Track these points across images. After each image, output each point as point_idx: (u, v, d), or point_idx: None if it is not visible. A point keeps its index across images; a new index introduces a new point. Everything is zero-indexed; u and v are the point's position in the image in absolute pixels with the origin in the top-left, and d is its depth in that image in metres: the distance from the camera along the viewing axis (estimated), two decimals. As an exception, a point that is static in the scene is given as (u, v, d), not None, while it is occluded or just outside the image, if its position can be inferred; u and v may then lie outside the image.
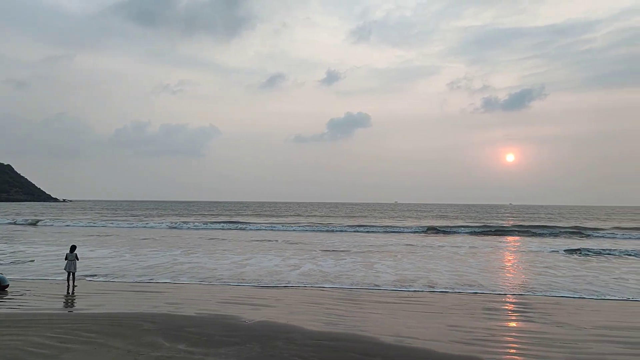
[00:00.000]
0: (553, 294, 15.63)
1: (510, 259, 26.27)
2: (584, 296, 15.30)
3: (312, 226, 55.11)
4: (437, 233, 47.26)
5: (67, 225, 54.18)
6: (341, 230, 49.78)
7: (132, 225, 54.92)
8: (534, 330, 10.84)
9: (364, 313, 12.49)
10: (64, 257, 16.23)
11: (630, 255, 27.66)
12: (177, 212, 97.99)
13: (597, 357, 8.78)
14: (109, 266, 21.13)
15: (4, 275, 15.53)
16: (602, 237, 43.74)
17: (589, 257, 26.50)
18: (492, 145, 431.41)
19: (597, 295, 15.40)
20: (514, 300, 14.63)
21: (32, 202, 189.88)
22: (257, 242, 35.13)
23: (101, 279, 17.85)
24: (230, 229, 52.02)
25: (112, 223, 57.72)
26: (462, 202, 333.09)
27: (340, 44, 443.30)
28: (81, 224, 56.57)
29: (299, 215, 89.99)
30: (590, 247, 31.14)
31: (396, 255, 26.44)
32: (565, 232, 47.53)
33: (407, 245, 33.46)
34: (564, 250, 29.45)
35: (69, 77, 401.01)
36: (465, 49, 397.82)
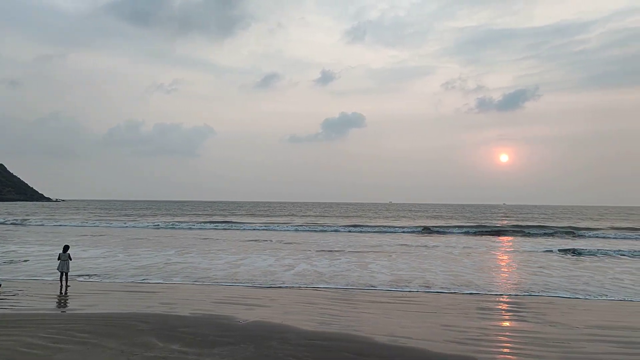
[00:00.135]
0: (546, 293, 15.70)
1: (504, 259, 26.38)
2: (579, 296, 15.37)
3: (307, 226, 55.09)
4: (431, 233, 47.37)
5: (60, 225, 53.85)
6: (335, 230, 49.80)
7: (125, 225, 54.69)
8: (528, 329, 10.89)
9: (358, 313, 12.50)
10: (57, 257, 16.15)
11: (623, 255, 27.83)
12: (171, 212, 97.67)
13: (590, 357, 8.83)
14: (102, 266, 21.02)
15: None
16: (596, 237, 44.04)
17: (583, 257, 26.65)
18: (486, 146, 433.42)
19: (593, 296, 15.46)
20: (507, 300, 14.69)
21: (24, 202, 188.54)
22: (251, 242, 35.08)
23: (94, 279, 17.76)
24: (224, 228, 51.92)
25: (105, 223, 57.45)
26: (457, 202, 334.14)
27: (335, 44, 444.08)
28: (73, 223, 56.29)
29: (293, 215, 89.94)
30: (583, 247, 31.35)
31: (390, 255, 26.48)
32: (559, 232, 47.81)
33: (402, 245, 33.52)
34: (558, 250, 29.60)
35: (62, 76, 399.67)
36: (459, 49, 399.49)
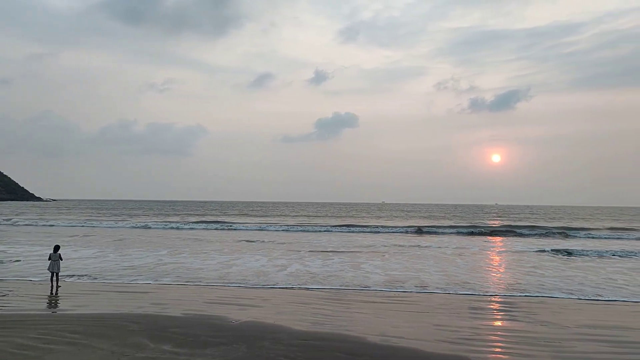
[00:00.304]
0: (538, 293, 15.80)
1: (496, 259, 26.52)
2: (571, 296, 15.46)
3: (300, 226, 55.05)
4: (424, 233, 47.52)
5: (50, 225, 53.42)
6: (328, 230, 49.81)
7: (117, 225, 54.36)
8: (519, 329, 10.95)
9: (350, 313, 12.51)
10: (48, 257, 16.01)
11: (614, 255, 28.05)
12: (163, 212, 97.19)
13: (580, 356, 8.90)
14: (93, 266, 20.88)
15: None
16: (587, 237, 44.38)
17: (575, 257, 26.84)
18: (479, 146, 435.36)
19: (588, 296, 15.50)
20: (499, 300, 14.76)
21: (14, 202, 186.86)
22: (244, 242, 34.99)
23: (85, 279, 17.64)
24: (217, 228, 51.75)
25: (96, 223, 57.08)
26: (449, 202, 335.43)
27: (328, 43, 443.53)
28: (64, 223, 55.85)
29: (286, 215, 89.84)
30: (575, 247, 31.60)
31: (384, 255, 26.53)
32: (551, 232, 48.12)
33: (395, 245, 33.59)
34: (550, 250, 29.79)
35: (54, 75, 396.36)
36: (452, 50, 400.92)
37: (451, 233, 47.33)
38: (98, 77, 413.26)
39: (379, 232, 48.88)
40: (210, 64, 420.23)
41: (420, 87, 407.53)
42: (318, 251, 28.48)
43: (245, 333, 9.87)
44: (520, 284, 17.63)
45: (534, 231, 48.86)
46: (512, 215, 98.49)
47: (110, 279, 17.60)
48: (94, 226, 53.23)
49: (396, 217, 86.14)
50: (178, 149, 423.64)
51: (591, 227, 57.79)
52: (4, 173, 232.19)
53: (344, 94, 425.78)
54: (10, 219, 60.51)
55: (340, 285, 16.77)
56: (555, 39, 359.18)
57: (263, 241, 35.61)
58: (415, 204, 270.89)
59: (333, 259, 24.41)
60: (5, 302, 13.18)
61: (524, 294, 15.59)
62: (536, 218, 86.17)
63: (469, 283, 17.57)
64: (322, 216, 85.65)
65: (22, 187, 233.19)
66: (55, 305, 13.26)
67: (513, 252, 30.02)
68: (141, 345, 8.83)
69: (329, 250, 29.32)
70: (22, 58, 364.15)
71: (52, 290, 15.19)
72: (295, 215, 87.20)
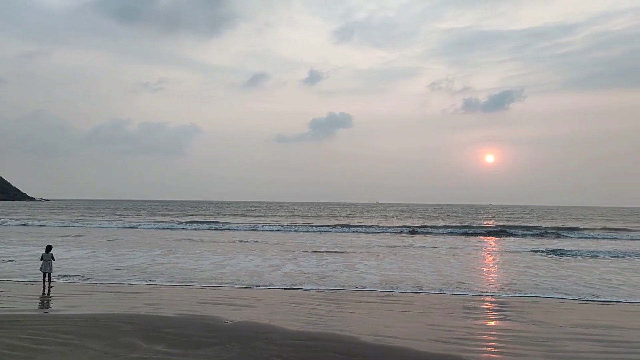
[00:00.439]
0: (531, 293, 15.87)
1: (490, 259, 26.62)
2: (565, 296, 15.53)
3: (294, 226, 55.02)
4: (418, 233, 47.63)
5: (42, 225, 53.07)
6: (321, 231, 49.79)
7: (110, 225, 54.08)
8: (512, 328, 11.00)
9: (344, 313, 12.51)
10: (40, 257, 15.90)
11: (607, 255, 28.23)
12: (157, 212, 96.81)
13: (572, 355, 8.94)
14: (86, 267, 20.77)
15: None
16: (580, 237, 44.61)
17: (568, 257, 27.00)
18: (473, 146, 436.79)
19: (584, 297, 15.52)
20: (493, 300, 14.82)
21: (6, 202, 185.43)
22: (238, 242, 34.92)
23: (77, 279, 17.53)
24: (211, 229, 51.61)
25: (89, 223, 56.76)
26: (443, 202, 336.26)
27: (323, 43, 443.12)
28: (57, 223, 55.49)
29: (280, 215, 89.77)
30: (568, 248, 31.80)
31: (378, 255, 26.56)
32: (545, 232, 48.36)
33: (389, 245, 33.63)
34: (543, 250, 29.94)
35: (47, 74, 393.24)
36: (446, 50, 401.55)
37: (445, 233, 47.46)
38: (91, 76, 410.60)
39: (373, 232, 48.93)
40: (204, 64, 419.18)
41: (415, 87, 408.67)
42: (312, 251, 28.47)
43: (239, 333, 9.84)
44: (514, 283, 17.70)
45: (527, 231, 49.09)
46: (505, 216, 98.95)
47: (103, 280, 17.51)
48: (86, 226, 52.93)
49: (390, 217, 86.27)
50: (172, 148, 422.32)
51: (584, 227, 58.15)
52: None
53: (338, 94, 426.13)
54: (1, 219, 60.01)
55: (335, 286, 16.77)
56: (549, 39, 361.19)
57: (257, 241, 35.55)
58: (410, 204, 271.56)
59: (327, 259, 24.42)
60: (-4, 303, 13.07)
61: (517, 294, 15.66)
62: (530, 218, 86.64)
63: (462, 283, 17.62)
64: (316, 216, 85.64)
65: (14, 187, 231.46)
66: (48, 306, 13.17)
67: (507, 252, 30.15)
68: (134, 345, 8.78)
69: (323, 250, 29.32)
70: (15, 57, 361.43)
71: (44, 290, 15.09)
72: (290, 215, 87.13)
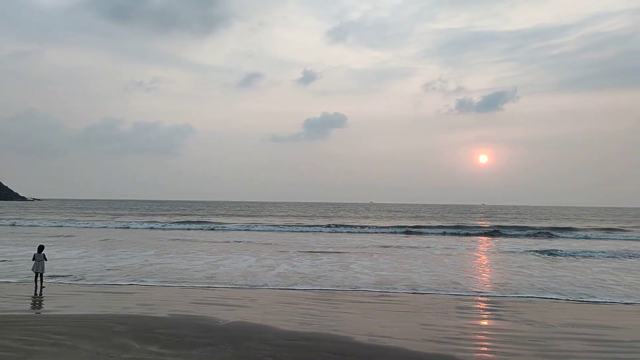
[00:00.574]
0: (524, 293, 15.94)
1: (484, 259, 26.73)
2: (558, 296, 15.61)
3: (288, 226, 54.98)
4: (412, 233, 47.75)
5: (34, 225, 52.69)
6: (315, 231, 49.79)
7: (103, 225, 53.79)
8: (505, 328, 11.04)
9: (338, 313, 12.52)
10: (32, 257, 15.79)
11: (600, 256, 28.41)
12: (150, 212, 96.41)
13: (564, 354, 9.00)
14: (78, 267, 20.64)
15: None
16: (573, 237, 44.90)
17: (561, 258, 27.15)
18: (466, 146, 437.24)
19: (581, 297, 15.61)
20: (486, 300, 14.88)
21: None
22: (232, 242, 34.85)
23: (70, 280, 17.42)
24: (204, 229, 51.46)
25: (81, 222, 56.43)
26: (437, 203, 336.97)
27: (317, 43, 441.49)
28: (49, 223, 55.13)
29: (274, 215, 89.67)
30: (562, 248, 31.97)
31: (372, 255, 26.60)
32: (538, 232, 48.60)
33: (383, 245, 33.69)
34: (537, 251, 30.10)
35: (39, 72, 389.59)
36: (440, 51, 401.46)
37: (439, 233, 47.60)
38: (84, 75, 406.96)
39: (367, 232, 49.01)
40: (198, 63, 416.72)
41: (408, 87, 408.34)
42: (306, 251, 28.46)
43: (232, 333, 9.82)
44: (507, 283, 17.78)
45: (521, 231, 49.34)
46: (499, 216, 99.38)
47: (96, 280, 17.41)
48: (78, 226, 52.63)
49: (384, 217, 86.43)
50: (165, 148, 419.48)
51: (578, 227, 58.52)
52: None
53: (332, 94, 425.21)
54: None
55: (329, 286, 16.77)
56: (542, 40, 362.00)
57: (251, 241, 35.48)
58: (403, 204, 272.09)
59: (321, 259, 24.42)
60: (-13, 303, 12.96)
61: (510, 294, 15.73)
62: (523, 218, 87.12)
63: (456, 283, 17.68)
64: (311, 216, 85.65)
65: (6, 187, 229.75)
66: (40, 306, 13.08)
67: (500, 252, 30.29)
68: (127, 346, 8.74)
69: (317, 250, 29.32)
70: (5, 56, 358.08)
71: (36, 290, 14.98)
72: (284, 216, 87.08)
